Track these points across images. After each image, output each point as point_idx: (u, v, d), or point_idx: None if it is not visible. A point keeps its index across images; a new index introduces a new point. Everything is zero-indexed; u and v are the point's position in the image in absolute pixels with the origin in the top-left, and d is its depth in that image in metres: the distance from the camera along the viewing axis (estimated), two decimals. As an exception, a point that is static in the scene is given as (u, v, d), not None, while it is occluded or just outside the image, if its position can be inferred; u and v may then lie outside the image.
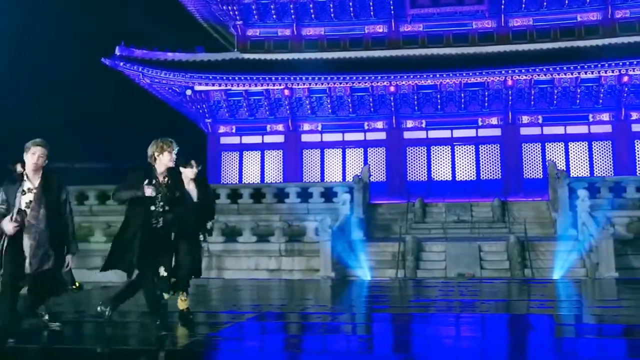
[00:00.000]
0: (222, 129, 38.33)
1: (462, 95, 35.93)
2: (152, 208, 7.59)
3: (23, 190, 7.14)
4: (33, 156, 7.16)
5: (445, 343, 7.79)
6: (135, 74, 35.11)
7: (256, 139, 38.01)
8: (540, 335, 8.36)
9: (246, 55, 37.97)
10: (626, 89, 34.63)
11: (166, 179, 7.78)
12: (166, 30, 41.61)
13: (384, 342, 8.26)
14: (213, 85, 35.83)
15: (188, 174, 9.22)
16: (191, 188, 9.21)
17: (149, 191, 7.45)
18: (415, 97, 36.24)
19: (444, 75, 34.06)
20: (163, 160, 7.72)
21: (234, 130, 38.23)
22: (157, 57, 35.83)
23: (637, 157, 34.92)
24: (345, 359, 6.90)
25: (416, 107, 36.67)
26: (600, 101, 35.37)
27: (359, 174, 28.03)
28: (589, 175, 33.93)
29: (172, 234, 7.86)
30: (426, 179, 36.20)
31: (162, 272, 8.17)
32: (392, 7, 37.48)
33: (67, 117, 43.73)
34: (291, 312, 10.66)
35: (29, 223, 7.07)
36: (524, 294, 14.30)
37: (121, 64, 34.82)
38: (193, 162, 9.25)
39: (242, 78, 35.10)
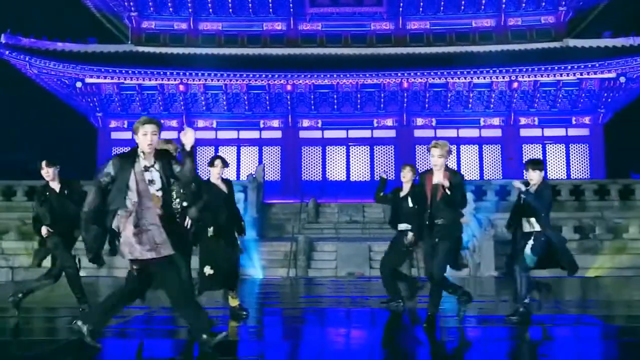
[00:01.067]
0: (113, 124, 38.00)
1: (359, 96, 36.97)
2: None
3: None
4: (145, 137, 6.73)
5: (332, 332, 8.49)
6: (22, 63, 34.35)
7: (149, 135, 37.75)
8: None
9: (140, 48, 37.85)
10: (516, 94, 36.57)
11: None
12: (57, 18, 40.88)
13: (274, 331, 8.92)
14: (105, 78, 35.46)
15: (213, 172, 9.86)
16: (219, 183, 9.85)
17: None
18: (312, 96, 37.04)
19: (341, 76, 35.06)
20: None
21: (125, 125, 37.89)
22: (46, 47, 35.24)
23: (524, 161, 36.78)
24: (237, 345, 7.48)
25: (313, 107, 37.50)
26: (492, 106, 37.18)
27: (253, 173, 28.50)
28: (479, 178, 35.55)
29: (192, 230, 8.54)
30: (321, 178, 37.06)
31: (208, 270, 9.15)
32: (291, 5, 38.18)
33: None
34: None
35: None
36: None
37: (7, 52, 34.01)
38: (217, 161, 9.86)
39: (136, 72, 34.97)
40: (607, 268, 21.45)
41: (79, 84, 35.73)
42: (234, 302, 9.60)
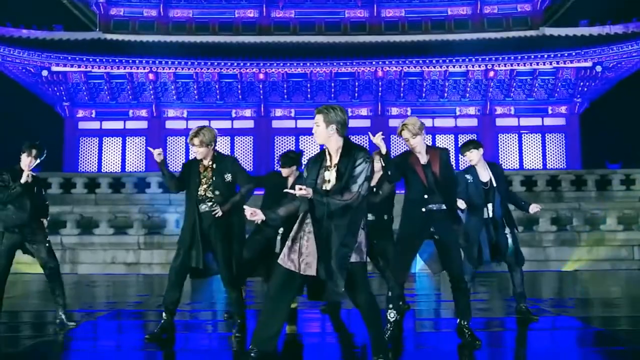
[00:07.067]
0: (80, 113, 37.79)
1: (333, 84, 37.07)
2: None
3: None
4: None
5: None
6: (-15, 51, 34.20)
7: (117, 125, 37.69)
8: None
9: (109, 36, 37.68)
10: (492, 83, 36.86)
11: (212, 164, 8.18)
12: (21, 4, 40.56)
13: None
14: (72, 66, 35.22)
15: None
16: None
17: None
18: (285, 85, 37.10)
19: (315, 64, 35.12)
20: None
21: (93, 115, 37.78)
22: (11, 34, 34.93)
23: (499, 151, 37.31)
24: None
25: (285, 96, 37.55)
26: (467, 95, 37.43)
27: (225, 164, 28.52)
28: (454, 168, 35.81)
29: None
30: (295, 170, 37.04)
31: None
32: (264, -8, 38.23)
33: None
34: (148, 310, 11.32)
35: None
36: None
37: (-31, 39, 33.85)
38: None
39: (104, 60, 34.71)
40: (585, 260, 21.88)
41: (44, 73, 35.44)
42: None
